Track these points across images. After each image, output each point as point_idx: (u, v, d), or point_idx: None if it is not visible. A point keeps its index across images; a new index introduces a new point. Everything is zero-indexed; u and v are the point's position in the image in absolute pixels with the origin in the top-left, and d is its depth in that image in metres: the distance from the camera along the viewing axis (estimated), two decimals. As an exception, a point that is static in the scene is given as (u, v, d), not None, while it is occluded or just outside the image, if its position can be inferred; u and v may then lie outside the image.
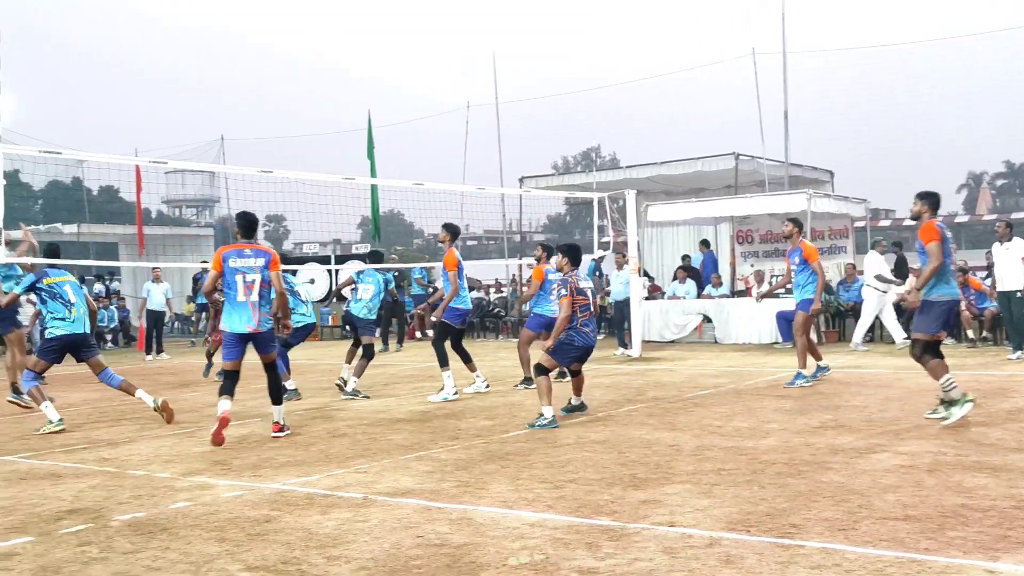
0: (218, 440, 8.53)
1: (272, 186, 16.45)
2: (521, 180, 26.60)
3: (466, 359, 12.19)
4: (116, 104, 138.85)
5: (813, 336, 13.60)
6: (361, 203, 26.39)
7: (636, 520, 5.43)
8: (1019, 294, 14.60)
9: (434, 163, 79.11)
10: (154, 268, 22.74)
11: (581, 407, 9.99)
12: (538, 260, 13.03)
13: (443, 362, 11.66)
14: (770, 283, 19.56)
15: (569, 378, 12.10)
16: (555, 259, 10.59)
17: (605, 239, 17.89)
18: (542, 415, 9.07)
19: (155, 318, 21.96)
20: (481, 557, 4.81)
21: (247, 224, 9.24)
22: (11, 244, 11.95)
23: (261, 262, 8.94)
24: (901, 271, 19.62)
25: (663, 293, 22.02)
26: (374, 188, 25.85)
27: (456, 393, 11.56)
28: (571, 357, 9.61)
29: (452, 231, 12.04)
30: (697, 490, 6.15)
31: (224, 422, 8.58)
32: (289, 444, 8.58)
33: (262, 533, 5.42)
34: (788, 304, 14.18)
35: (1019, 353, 14.36)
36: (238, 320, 8.87)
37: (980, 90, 60.18)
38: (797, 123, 26.51)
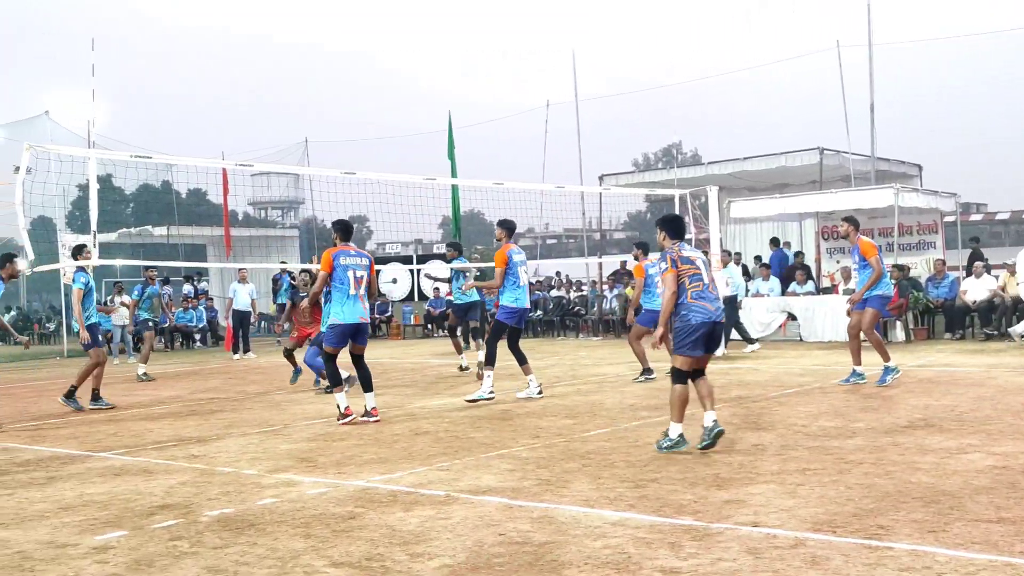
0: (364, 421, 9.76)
1: (355, 187, 16.66)
2: (601, 178, 26.53)
3: (521, 361, 11.61)
4: (202, 108, 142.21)
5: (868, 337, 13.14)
6: (442, 203, 26.64)
7: (719, 520, 5.37)
8: None
9: (514, 163, 79.34)
10: (240, 269, 23.18)
11: (718, 432, 7.51)
12: (636, 259, 13.16)
13: (489, 360, 11.32)
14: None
15: (649, 376, 11.89)
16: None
17: (687, 236, 17.75)
18: (667, 435, 7.64)
19: (241, 318, 22.42)
20: (563, 555, 4.81)
21: (345, 229, 10.20)
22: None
23: (365, 262, 10.03)
24: (971, 268, 19.24)
25: (747, 291, 21.75)
26: (455, 188, 26.02)
27: (492, 393, 11.21)
28: (694, 340, 7.56)
29: (508, 227, 11.75)
30: (782, 490, 6.07)
31: (352, 414, 9.81)
32: (372, 442, 8.69)
33: (347, 530, 5.50)
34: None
35: None
36: (351, 312, 9.84)
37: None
38: (884, 116, 25.83)
